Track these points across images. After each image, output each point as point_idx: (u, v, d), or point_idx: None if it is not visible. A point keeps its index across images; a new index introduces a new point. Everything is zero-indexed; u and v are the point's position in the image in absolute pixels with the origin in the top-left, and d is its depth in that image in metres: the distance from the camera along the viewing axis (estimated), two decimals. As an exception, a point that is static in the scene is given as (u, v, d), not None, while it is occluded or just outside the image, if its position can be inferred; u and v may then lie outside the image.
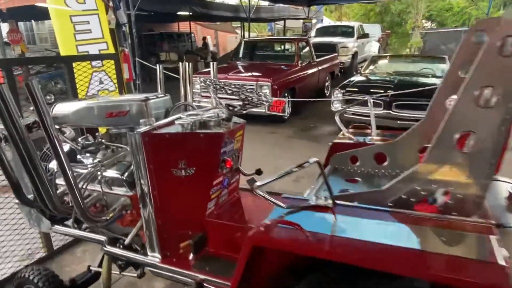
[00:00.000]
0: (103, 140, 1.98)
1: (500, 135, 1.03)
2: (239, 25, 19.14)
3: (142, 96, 1.86)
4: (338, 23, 16.68)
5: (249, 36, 14.55)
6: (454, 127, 1.06)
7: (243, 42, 9.78)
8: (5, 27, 12.05)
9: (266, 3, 15.76)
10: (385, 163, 1.69)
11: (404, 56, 10.31)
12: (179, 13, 12.44)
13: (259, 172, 1.86)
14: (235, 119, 1.81)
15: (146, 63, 7.45)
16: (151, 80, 13.12)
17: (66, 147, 1.91)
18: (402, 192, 1.11)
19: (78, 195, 1.55)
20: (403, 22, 25.21)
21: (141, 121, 1.63)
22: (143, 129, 1.56)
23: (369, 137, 1.86)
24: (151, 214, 1.65)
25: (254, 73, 7.83)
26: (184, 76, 2.35)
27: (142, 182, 1.61)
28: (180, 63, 2.35)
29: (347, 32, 13.48)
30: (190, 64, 2.38)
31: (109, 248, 1.87)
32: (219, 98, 1.75)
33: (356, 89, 6.65)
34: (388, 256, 0.93)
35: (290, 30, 22.17)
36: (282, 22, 19.97)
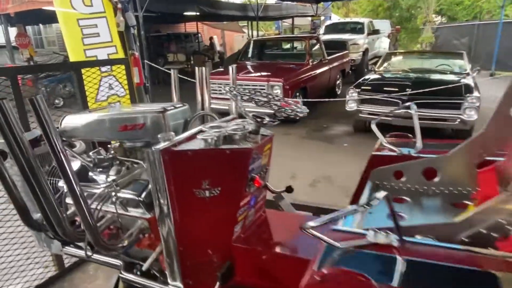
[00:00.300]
0: (117, 155, 1.81)
1: None
2: (246, 24, 18.95)
3: (159, 107, 1.68)
4: (347, 20, 16.37)
5: (257, 35, 14.36)
6: None
7: (251, 42, 9.58)
8: (13, 31, 12.05)
9: (274, 1, 15.55)
10: (436, 179, 1.48)
11: (420, 52, 10.03)
12: (186, 13, 12.31)
13: (289, 189, 1.67)
14: (262, 130, 1.62)
15: (156, 66, 7.32)
16: (159, 83, 13.01)
17: (77, 164, 1.75)
18: (482, 226, 0.92)
19: (89, 220, 1.38)
20: (413, 17, 24.71)
21: (159, 136, 1.45)
22: (162, 145, 1.39)
23: (414, 149, 1.65)
24: (171, 239, 1.47)
25: (264, 73, 7.65)
26: (201, 81, 2.17)
27: (161, 204, 1.43)
28: (196, 68, 2.17)
29: (356, 28, 13.19)
30: (207, 68, 2.20)
31: (126, 275, 1.71)
32: (244, 106, 1.56)
33: (372, 88, 6.42)
34: None
35: (298, 28, 21.91)
36: (289, 20, 19.72)
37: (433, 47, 17.37)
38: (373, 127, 1.80)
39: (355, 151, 5.85)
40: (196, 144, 1.44)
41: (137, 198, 1.56)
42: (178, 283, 1.54)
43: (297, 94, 7.63)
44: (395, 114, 5.29)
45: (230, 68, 2.17)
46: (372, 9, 25.33)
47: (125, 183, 1.62)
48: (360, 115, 6.37)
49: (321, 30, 14.32)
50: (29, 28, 15.63)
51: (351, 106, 6.42)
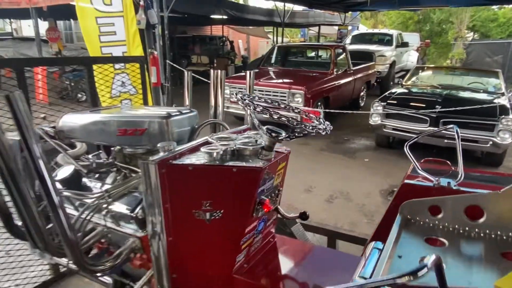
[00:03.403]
0: (115, 160, 1.64)
1: None
2: (271, 30, 18.83)
3: (163, 111, 1.50)
4: (375, 30, 15.97)
5: (282, 41, 14.18)
6: None
7: (276, 47, 9.41)
8: (45, 25, 12.32)
9: (302, 9, 15.35)
10: (481, 220, 1.23)
11: (451, 68, 9.57)
12: (213, 16, 12.29)
13: (304, 216, 1.45)
14: (277, 145, 1.40)
15: (177, 66, 7.23)
16: (182, 84, 13.02)
17: (70, 169, 1.58)
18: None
19: (69, 235, 1.20)
20: (443, 32, 23.99)
21: (158, 145, 1.27)
22: (159, 156, 1.20)
23: (456, 180, 1.38)
24: (164, 264, 1.28)
25: (286, 80, 7.45)
26: (216, 84, 1.98)
27: (154, 223, 1.25)
28: (212, 70, 1.99)
29: (385, 40, 12.82)
30: (223, 71, 2.02)
31: (114, 297, 1.53)
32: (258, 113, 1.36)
33: (398, 102, 6.10)
34: None
35: (324, 36, 21.61)
36: (315, 28, 19.47)
37: (463, 64, 16.73)
38: (406, 150, 1.55)
39: (376, 168, 5.57)
40: (199, 158, 1.25)
41: (129, 213, 1.37)
42: (168, 314, 1.35)
43: (319, 103, 7.39)
44: (430, 134, 4.98)
45: (248, 73, 1.97)
46: (402, 21, 24.79)
47: (119, 195, 1.44)
48: (384, 129, 6.07)
49: (348, 39, 14.01)
50: (60, 23, 16.02)
51: (375, 119, 6.13)
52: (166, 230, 1.24)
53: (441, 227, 1.28)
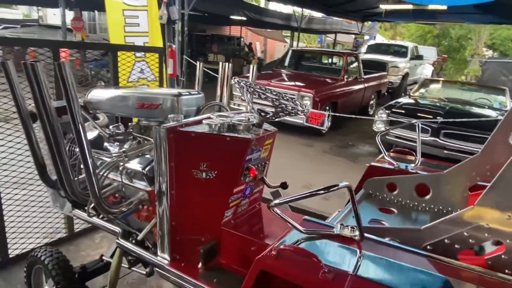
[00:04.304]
0: (133, 131, 1.95)
1: None
2: (289, 34, 19.13)
3: (175, 91, 1.80)
4: (391, 42, 16.12)
5: (297, 46, 14.44)
6: None
7: (290, 51, 9.70)
8: (71, 14, 12.90)
9: (320, 15, 15.60)
10: (427, 197, 1.49)
11: (459, 82, 9.69)
12: (232, 17, 12.65)
13: (284, 185, 1.73)
14: (266, 126, 1.69)
15: (191, 60, 7.57)
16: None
17: (94, 133, 1.90)
18: (445, 236, 0.94)
19: (95, 183, 1.51)
20: (462, 48, 23.91)
21: (169, 116, 1.57)
22: (169, 124, 1.50)
23: (413, 165, 1.65)
24: (165, 213, 1.58)
25: (297, 83, 7.71)
26: (223, 76, 2.28)
27: (161, 178, 1.54)
28: (220, 63, 2.29)
29: (400, 51, 12.97)
30: (231, 65, 2.31)
31: (122, 242, 1.83)
32: (255, 102, 1.65)
33: (403, 111, 6.31)
34: None
35: (341, 44, 21.80)
36: (333, 35, 19.70)
37: (478, 81, 16.69)
38: (378, 140, 1.82)
39: (376, 172, 5.77)
40: (201, 128, 1.54)
41: (141, 170, 1.68)
42: (166, 256, 1.64)
43: (327, 108, 7.62)
44: (423, 142, 5.19)
45: (251, 66, 2.27)
46: (421, 34, 24.79)
47: (134, 156, 1.75)
48: (387, 137, 6.28)
49: (363, 49, 14.20)
50: (85, 14, 16.61)
51: (379, 126, 6.35)
52: (170, 184, 1.53)
53: (395, 201, 1.54)
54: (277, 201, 1.01)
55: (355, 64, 9.10)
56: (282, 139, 7.50)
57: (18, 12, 27.74)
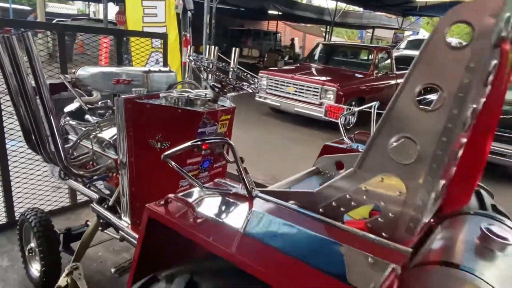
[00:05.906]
0: (112, 106, 2.10)
1: (441, 149, 0.82)
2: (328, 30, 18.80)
3: (146, 68, 1.93)
4: (433, 37, 15.25)
5: (329, 40, 14.17)
6: (390, 130, 0.88)
7: (320, 45, 9.58)
8: (116, 9, 13.73)
9: (357, 9, 15.18)
10: None
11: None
12: (269, 11, 12.68)
13: (240, 159, 1.79)
14: (227, 104, 1.76)
15: (221, 56, 7.77)
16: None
17: (76, 105, 2.07)
18: (332, 199, 0.96)
19: (60, 148, 1.67)
20: None
21: (133, 89, 1.69)
22: (128, 96, 1.61)
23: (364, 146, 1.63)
24: (126, 179, 1.70)
25: (322, 77, 7.61)
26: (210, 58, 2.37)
27: (121, 147, 1.67)
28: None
29: (441, 48, 12.27)
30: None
31: (95, 206, 1.99)
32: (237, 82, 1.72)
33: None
34: (268, 265, 0.81)
35: (380, 39, 21.06)
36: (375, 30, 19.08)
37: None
38: (340, 122, 1.83)
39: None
40: (158, 101, 1.64)
41: (108, 139, 1.82)
42: (127, 219, 1.77)
43: (353, 102, 7.46)
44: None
45: (233, 49, 2.33)
46: (469, 32, 23.23)
47: (106, 127, 1.90)
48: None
49: (403, 44, 13.63)
50: (129, 8, 17.48)
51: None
52: (129, 152, 1.66)
53: (341, 179, 1.55)
54: (168, 152, 1.10)
55: (388, 60, 8.81)
56: (302, 132, 7.37)
57: (73, 8, 29.77)
